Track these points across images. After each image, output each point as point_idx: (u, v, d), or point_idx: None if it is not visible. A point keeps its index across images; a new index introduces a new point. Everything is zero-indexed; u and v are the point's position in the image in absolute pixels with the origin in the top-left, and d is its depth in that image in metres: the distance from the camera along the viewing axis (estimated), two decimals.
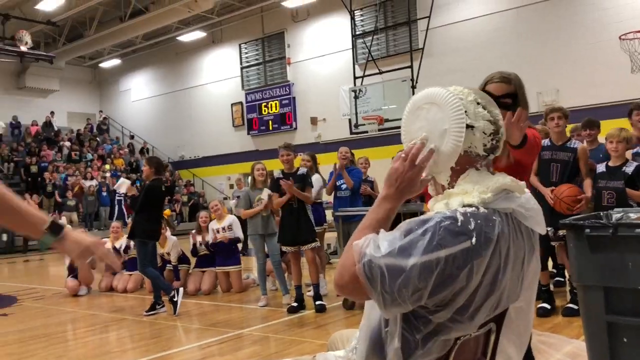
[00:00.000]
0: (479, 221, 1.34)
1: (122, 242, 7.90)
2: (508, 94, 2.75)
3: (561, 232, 4.93)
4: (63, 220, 16.76)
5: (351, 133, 14.94)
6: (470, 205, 1.39)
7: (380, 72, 14.74)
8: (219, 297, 7.04)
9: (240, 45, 20.63)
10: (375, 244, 1.34)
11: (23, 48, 18.62)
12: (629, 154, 5.07)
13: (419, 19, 15.42)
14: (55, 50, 21.25)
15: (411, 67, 14.02)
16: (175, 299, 5.97)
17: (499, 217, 1.39)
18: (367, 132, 14.31)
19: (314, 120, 18.51)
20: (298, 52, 19.05)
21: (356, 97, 14.50)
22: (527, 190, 1.52)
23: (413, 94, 14.05)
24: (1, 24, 18.59)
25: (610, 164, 4.87)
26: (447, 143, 1.46)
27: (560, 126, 5.01)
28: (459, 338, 1.47)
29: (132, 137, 24.59)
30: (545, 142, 5.23)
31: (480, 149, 1.48)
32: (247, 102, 20.47)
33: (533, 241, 1.50)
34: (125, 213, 18.98)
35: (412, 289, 1.29)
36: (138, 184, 14.09)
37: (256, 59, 20.50)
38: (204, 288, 7.24)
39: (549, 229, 4.96)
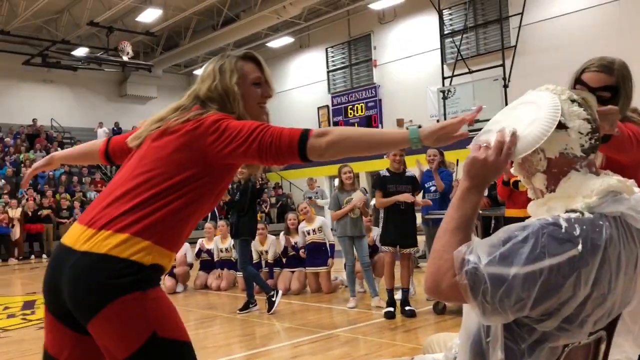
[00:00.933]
0: (584, 227, 1.27)
1: (229, 243, 8.02)
2: (607, 87, 2.28)
3: None
4: None
5: None
6: (574, 211, 1.33)
7: (470, 72, 14.40)
8: (308, 298, 7.15)
9: (326, 49, 20.86)
10: (475, 252, 1.30)
11: (125, 58, 19.85)
12: None
13: (511, 15, 14.91)
14: (153, 59, 22.48)
15: (503, 65, 13.59)
16: (273, 299, 6.12)
17: (606, 221, 1.31)
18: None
19: (400, 122, 18.36)
20: (384, 54, 18.99)
21: (444, 98, 14.25)
22: (637, 189, 1.42)
23: (505, 93, 13.68)
24: (106, 36, 19.91)
25: None
26: (531, 130, 1.39)
27: None
28: (567, 346, 1.41)
29: None
30: None
31: (578, 150, 1.41)
32: (333, 106, 20.65)
33: None
34: (218, 214, 19.72)
35: (514, 299, 1.25)
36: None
37: (342, 62, 20.64)
38: (294, 288, 7.37)
39: None
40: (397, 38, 18.51)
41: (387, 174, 5.82)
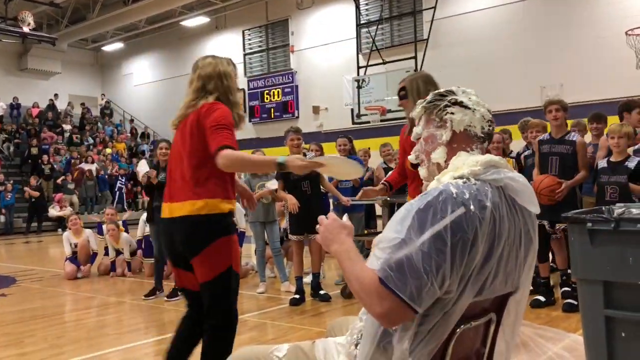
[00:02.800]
0: (472, 191, 1.39)
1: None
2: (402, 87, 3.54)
3: (558, 226, 4.95)
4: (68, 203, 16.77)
5: (353, 123, 14.90)
6: (461, 177, 1.45)
7: (384, 62, 14.69)
8: None
9: (243, 31, 20.54)
10: (376, 255, 1.39)
11: (25, 29, 18.54)
12: (630, 150, 5.05)
13: (425, 9, 15.33)
14: (57, 32, 21.17)
15: (415, 58, 13.97)
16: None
17: (490, 188, 1.43)
18: (369, 122, 14.28)
19: (316, 109, 18.46)
20: (302, 40, 18.97)
21: (359, 87, 14.47)
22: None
23: None
24: (4, 4, 18.49)
25: (612, 159, 4.87)
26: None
27: (558, 119, 5.01)
28: (458, 327, 1.48)
29: (131, 121, 24.55)
30: (545, 135, 5.24)
31: (479, 130, 1.58)
32: (249, 89, 20.41)
33: (530, 225, 1.53)
34: (125, 199, 19.02)
35: (435, 266, 1.32)
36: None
37: (259, 46, 20.41)
38: None
39: (545, 222, 4.98)
40: (315, 25, 18.54)
41: None
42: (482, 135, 1.59)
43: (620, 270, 2.74)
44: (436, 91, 1.65)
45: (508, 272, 1.47)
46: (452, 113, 1.58)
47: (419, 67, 13.91)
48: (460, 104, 1.60)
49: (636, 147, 5.04)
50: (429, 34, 14.61)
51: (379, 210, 7.67)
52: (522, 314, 1.65)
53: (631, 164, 4.72)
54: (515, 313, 1.62)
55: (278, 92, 19.64)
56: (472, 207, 1.36)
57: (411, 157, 1.71)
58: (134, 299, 6.23)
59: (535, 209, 1.50)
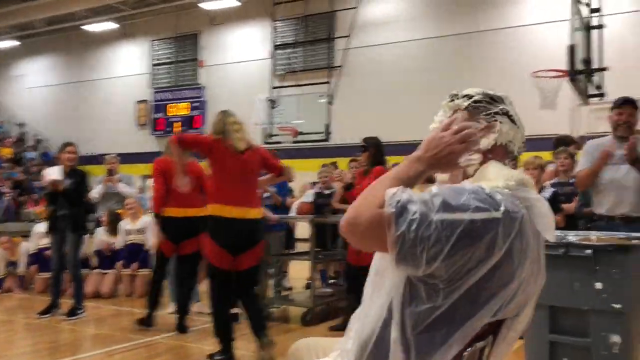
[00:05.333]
0: (505, 199, 1.32)
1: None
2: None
3: None
4: None
5: (265, 142, 14.75)
6: (495, 187, 1.37)
7: (298, 85, 14.73)
8: (121, 301, 6.54)
9: (152, 41, 19.83)
10: (408, 192, 1.29)
11: None
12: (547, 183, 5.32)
13: (338, 37, 15.60)
14: None
15: (329, 83, 14.14)
16: (80, 312, 5.55)
17: (520, 203, 1.35)
18: (280, 142, 14.19)
19: None
20: (213, 56, 18.59)
21: (272, 107, 14.40)
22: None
23: (328, 110, 14.23)
24: None
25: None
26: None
27: None
28: (466, 348, 1.39)
29: (20, 125, 22.77)
30: None
31: (516, 149, 1.53)
32: (155, 101, 19.67)
33: (542, 254, 1.46)
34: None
35: (433, 239, 1.23)
36: None
37: (167, 58, 19.77)
38: (104, 291, 6.71)
39: None
40: (228, 42, 18.27)
41: None
42: (516, 155, 1.54)
43: (567, 296, 2.80)
44: (484, 91, 1.56)
45: (523, 297, 1.40)
46: (501, 122, 1.50)
47: (332, 93, 14.10)
48: (509, 117, 1.52)
49: (552, 181, 5.32)
50: (342, 61, 14.86)
51: (299, 232, 7.54)
52: (514, 342, 1.57)
53: (546, 194, 4.94)
54: (512, 336, 1.54)
55: (186, 106, 19.08)
56: (502, 209, 1.29)
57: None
58: (25, 317, 5.61)
59: (551, 237, 1.43)
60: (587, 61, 7.32)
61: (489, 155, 1.48)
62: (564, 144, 5.94)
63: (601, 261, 2.71)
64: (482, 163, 1.47)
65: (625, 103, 4.27)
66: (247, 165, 4.05)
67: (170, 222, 5.01)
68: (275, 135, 14.08)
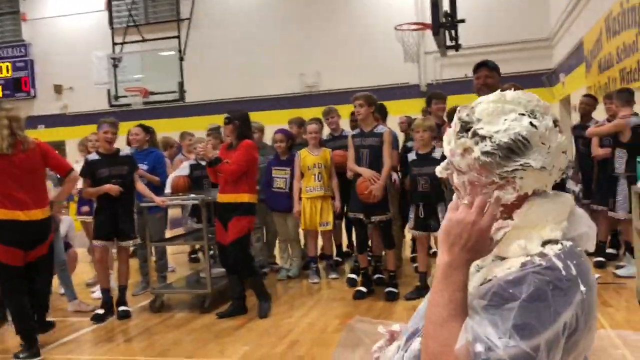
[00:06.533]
0: (575, 262, 1.08)
1: None
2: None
3: (373, 218, 5.09)
4: None
5: (110, 105, 13.53)
6: (555, 242, 1.11)
7: (144, 41, 13.58)
8: None
9: None
10: (480, 337, 1.00)
11: None
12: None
13: None
14: None
15: (178, 38, 13.21)
16: None
17: (581, 251, 1.14)
18: (129, 105, 13.09)
19: (58, 89, 16.25)
20: (38, 8, 16.44)
21: (115, 66, 13.14)
22: None
23: (181, 66, 13.33)
24: None
25: (420, 151, 5.15)
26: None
27: (362, 113, 5.10)
28: None
29: None
30: (356, 130, 5.32)
31: (550, 186, 1.19)
32: None
33: None
34: None
35: None
36: None
37: None
38: None
39: (361, 215, 5.10)
40: None
41: (97, 157, 4.93)
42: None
43: None
44: (504, 135, 1.14)
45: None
46: (522, 178, 1.14)
47: (182, 48, 13.22)
48: (536, 165, 1.14)
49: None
50: (191, 13, 13.93)
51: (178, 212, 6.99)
52: None
53: (436, 154, 5.03)
54: None
55: (7, 66, 16.77)
56: (583, 288, 1.06)
57: (440, 172, 1.33)
58: None
59: (591, 246, 1.21)
60: (449, 14, 7.52)
61: (514, 201, 1.17)
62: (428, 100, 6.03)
63: None
64: (516, 207, 1.17)
65: (479, 66, 4.31)
66: (20, 167, 3.87)
67: None
68: (123, 97, 12.93)
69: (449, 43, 8.49)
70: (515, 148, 1.13)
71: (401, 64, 11.66)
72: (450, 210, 1.12)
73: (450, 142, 1.24)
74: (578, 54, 9.60)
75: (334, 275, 5.90)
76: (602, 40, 8.15)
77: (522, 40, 11.62)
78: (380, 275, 5.46)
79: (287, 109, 12.31)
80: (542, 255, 1.07)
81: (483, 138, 1.15)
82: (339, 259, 6.46)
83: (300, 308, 4.92)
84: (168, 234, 6.42)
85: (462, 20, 7.78)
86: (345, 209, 5.74)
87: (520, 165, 1.13)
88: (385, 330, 1.59)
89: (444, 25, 7.59)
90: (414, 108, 9.53)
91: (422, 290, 4.93)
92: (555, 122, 1.18)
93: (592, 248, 1.21)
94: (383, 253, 5.41)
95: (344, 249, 6.79)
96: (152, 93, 13.03)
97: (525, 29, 11.82)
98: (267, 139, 6.87)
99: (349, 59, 13.27)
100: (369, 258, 5.44)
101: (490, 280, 1.09)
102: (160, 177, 5.68)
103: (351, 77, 12.83)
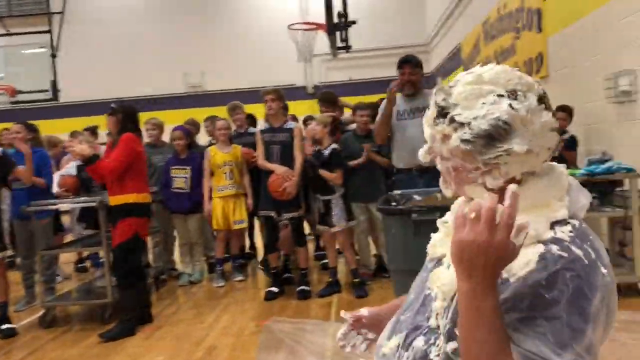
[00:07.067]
0: (588, 243, 1.05)
1: None
2: None
3: (285, 215, 5.02)
4: None
5: None
6: (564, 222, 1.07)
7: (8, 34, 12.43)
8: None
9: None
10: (537, 355, 0.95)
11: None
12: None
13: None
14: None
15: (50, 32, 12.24)
16: None
17: (589, 228, 1.11)
18: None
19: None
20: None
21: None
22: None
23: (54, 63, 12.34)
24: None
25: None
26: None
27: (273, 108, 5.04)
28: None
29: None
30: (265, 125, 5.22)
31: (540, 166, 1.14)
32: None
33: None
34: None
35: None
36: None
37: None
38: None
39: (272, 213, 5.01)
40: None
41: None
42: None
43: (420, 260, 2.87)
44: (482, 122, 1.07)
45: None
46: (506, 163, 1.08)
47: (55, 44, 12.27)
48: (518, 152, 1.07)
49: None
50: (63, 8, 12.97)
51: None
52: None
53: (327, 151, 5.05)
54: None
55: None
56: (604, 270, 1.03)
57: (423, 156, 1.25)
58: None
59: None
60: (343, 15, 7.66)
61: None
62: (330, 101, 6.05)
63: None
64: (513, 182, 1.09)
65: (404, 62, 4.50)
66: None
67: None
68: None
69: (339, 44, 8.66)
70: (496, 134, 1.06)
71: (287, 66, 11.71)
72: (458, 228, 0.97)
73: (429, 127, 1.17)
74: (455, 58, 10.21)
75: (239, 278, 5.74)
76: (479, 44, 8.73)
77: (401, 46, 12.15)
78: (290, 275, 5.40)
79: (171, 109, 11.88)
80: (556, 241, 1.03)
81: (461, 125, 1.08)
82: (242, 261, 6.31)
83: (209, 313, 4.71)
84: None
85: (354, 22, 7.97)
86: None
87: (504, 151, 1.06)
88: (349, 316, 1.53)
89: (338, 25, 7.72)
90: (301, 110, 9.60)
91: (334, 286, 4.95)
92: (540, 99, 1.11)
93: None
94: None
95: (247, 250, 6.65)
96: (21, 92, 11.97)
97: (404, 35, 12.38)
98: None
99: (234, 59, 13.08)
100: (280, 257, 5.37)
101: (507, 279, 1.01)
102: (46, 179, 5.17)
103: (236, 78, 12.67)
